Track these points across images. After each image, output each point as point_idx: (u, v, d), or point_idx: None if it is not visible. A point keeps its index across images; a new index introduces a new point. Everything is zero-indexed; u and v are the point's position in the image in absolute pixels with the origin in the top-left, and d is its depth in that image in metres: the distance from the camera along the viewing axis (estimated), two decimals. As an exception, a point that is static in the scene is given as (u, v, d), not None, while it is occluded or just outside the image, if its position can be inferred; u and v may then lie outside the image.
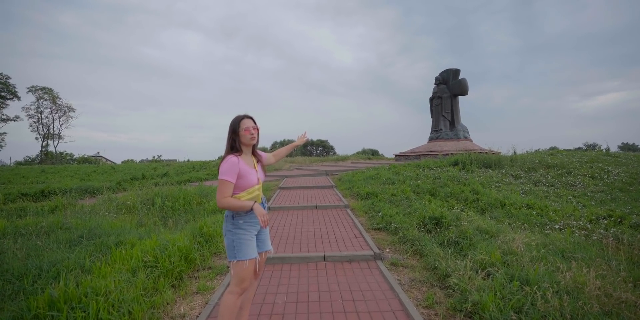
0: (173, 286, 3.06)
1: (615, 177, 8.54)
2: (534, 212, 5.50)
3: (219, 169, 1.92)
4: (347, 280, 3.09)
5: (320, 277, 3.18)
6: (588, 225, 4.69)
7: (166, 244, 3.36)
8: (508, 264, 2.99)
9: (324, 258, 3.63)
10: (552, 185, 8.23)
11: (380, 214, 5.51)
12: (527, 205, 5.96)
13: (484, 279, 2.71)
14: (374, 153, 33.51)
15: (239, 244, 1.90)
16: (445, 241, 3.87)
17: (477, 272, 2.85)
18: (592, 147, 37.75)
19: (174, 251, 3.29)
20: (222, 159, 1.97)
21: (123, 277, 2.75)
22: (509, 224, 4.96)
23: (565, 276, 2.52)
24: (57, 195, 8.85)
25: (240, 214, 1.94)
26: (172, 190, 6.97)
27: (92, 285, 2.45)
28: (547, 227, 4.82)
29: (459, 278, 2.72)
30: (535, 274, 2.56)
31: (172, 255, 3.22)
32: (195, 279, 3.29)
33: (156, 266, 3.09)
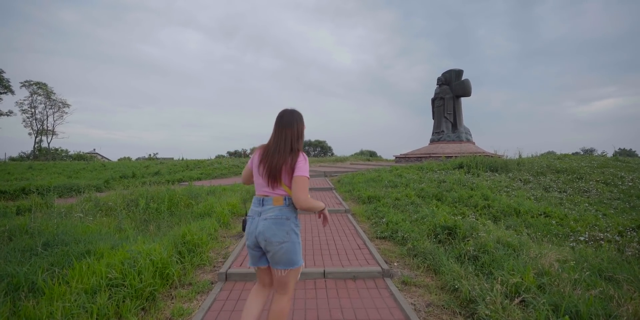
0: (143, 309, 2.54)
1: (630, 184, 8.09)
2: (553, 222, 5.02)
3: (295, 165, 1.68)
4: (352, 305, 2.58)
5: (319, 300, 2.67)
6: (617, 238, 4.22)
7: (137, 257, 2.83)
8: (544, 288, 2.51)
9: (324, 275, 3.11)
10: (563, 191, 7.77)
11: (384, 220, 5.02)
12: (544, 213, 5.49)
13: (522, 309, 2.21)
14: (372, 154, 33.06)
15: (299, 247, 1.78)
16: (463, 255, 3.38)
17: (510, 299, 2.35)
18: (589, 152, 37.43)
19: (146, 266, 2.76)
20: (296, 155, 1.70)
21: (78, 301, 2.23)
22: (528, 234, 4.48)
23: (628, 309, 2.02)
24: (37, 193, 8.27)
25: (296, 215, 1.79)
26: (159, 191, 6.43)
27: (30, 315, 1.92)
28: (571, 239, 4.34)
29: (490, 308, 2.22)
30: (588, 305, 2.07)
31: (143, 271, 2.70)
32: (172, 298, 2.77)
33: (123, 284, 2.58)
